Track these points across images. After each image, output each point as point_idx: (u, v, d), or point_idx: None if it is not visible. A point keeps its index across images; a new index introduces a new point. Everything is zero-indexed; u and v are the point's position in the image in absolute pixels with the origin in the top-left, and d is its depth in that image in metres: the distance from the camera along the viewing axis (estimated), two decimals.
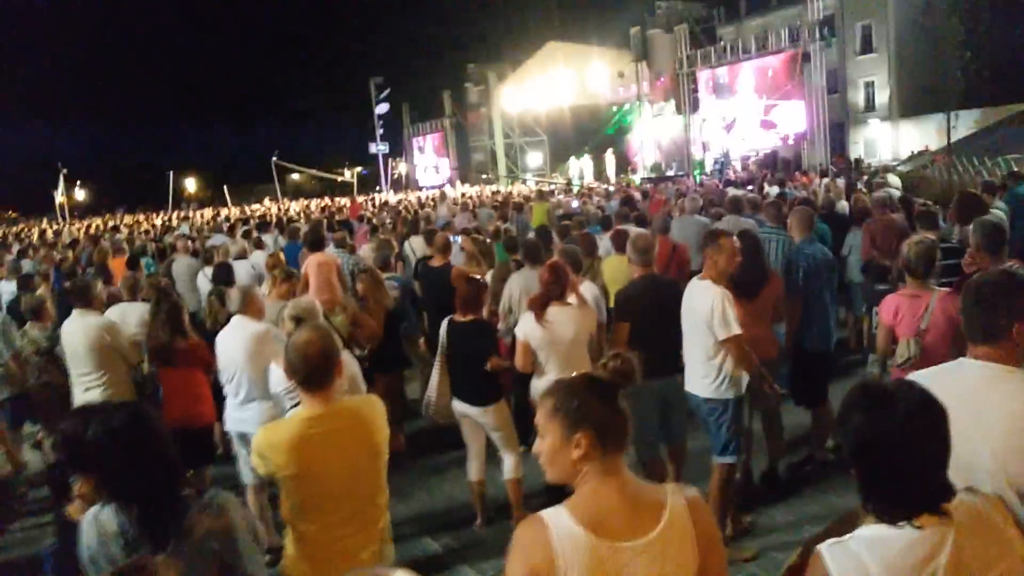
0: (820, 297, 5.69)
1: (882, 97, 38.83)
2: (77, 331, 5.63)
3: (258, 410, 4.99)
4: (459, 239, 8.93)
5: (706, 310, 4.47)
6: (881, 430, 1.69)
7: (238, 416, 5.13)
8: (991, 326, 2.30)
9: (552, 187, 26.22)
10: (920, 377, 2.20)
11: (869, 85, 39.63)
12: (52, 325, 6.38)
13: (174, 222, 25.44)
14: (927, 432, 1.70)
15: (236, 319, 5.21)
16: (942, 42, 23.09)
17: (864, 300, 8.11)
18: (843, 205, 10.53)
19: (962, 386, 2.27)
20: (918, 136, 35.34)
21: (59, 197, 39.56)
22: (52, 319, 6.48)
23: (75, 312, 5.77)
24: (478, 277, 5.54)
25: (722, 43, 34.08)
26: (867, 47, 39.34)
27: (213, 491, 2.38)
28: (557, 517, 1.86)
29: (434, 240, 8.15)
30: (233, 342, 5.08)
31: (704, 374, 4.63)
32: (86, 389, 5.59)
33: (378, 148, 48.38)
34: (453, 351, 5.19)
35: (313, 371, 2.85)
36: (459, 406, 5.20)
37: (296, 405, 3.28)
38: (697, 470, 4.95)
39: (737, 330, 4.43)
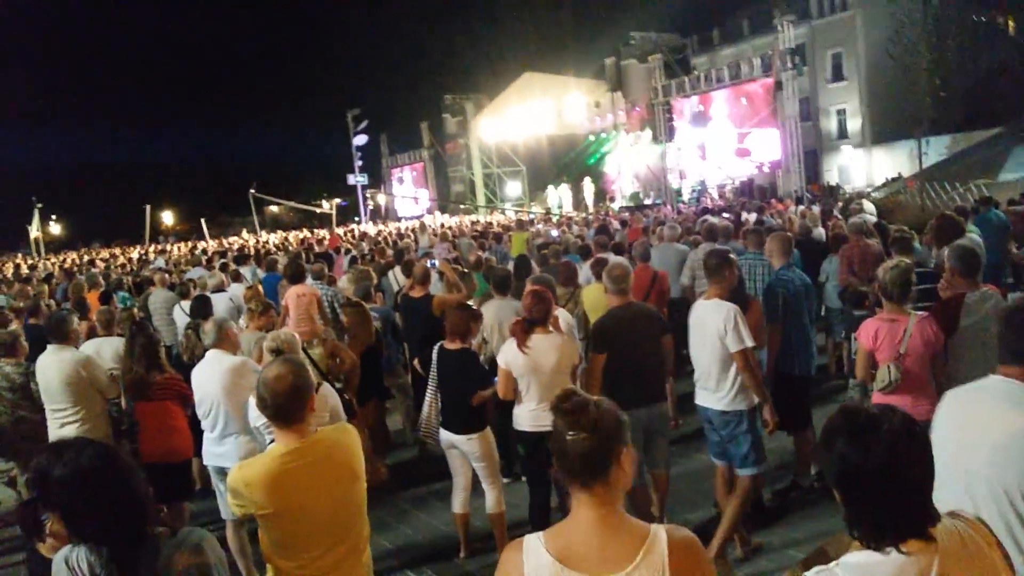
0: (800, 322, 5.73)
1: (854, 124, 39.54)
2: (52, 366, 5.55)
3: (236, 444, 4.93)
4: (436, 263, 8.92)
5: (719, 324, 4.63)
6: (866, 455, 1.69)
7: (216, 451, 5.06)
8: (1016, 346, 2.48)
9: (531, 216, 26.34)
10: (954, 395, 2.49)
11: (841, 113, 40.36)
12: (26, 360, 6.28)
13: (151, 256, 25.23)
14: (912, 457, 1.70)
15: (211, 353, 5.15)
16: (911, 69, 23.61)
17: (842, 326, 8.18)
18: (819, 232, 10.64)
19: (991, 402, 2.43)
20: (890, 162, 35.94)
21: (34, 232, 39.17)
22: (25, 353, 6.37)
23: (50, 347, 5.69)
24: (471, 305, 5.52)
25: (696, 72, 34.55)
26: (838, 75, 40.14)
27: (187, 529, 2.33)
28: (534, 543, 1.94)
29: (414, 274, 8.13)
30: (209, 376, 5.03)
31: (717, 387, 4.76)
32: (62, 425, 5.49)
33: (356, 179, 48.36)
34: (442, 378, 5.19)
35: (283, 406, 2.80)
36: (446, 435, 5.16)
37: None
38: (686, 498, 4.94)
39: (750, 343, 4.61)
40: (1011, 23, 47.16)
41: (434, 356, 5.25)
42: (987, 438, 2.34)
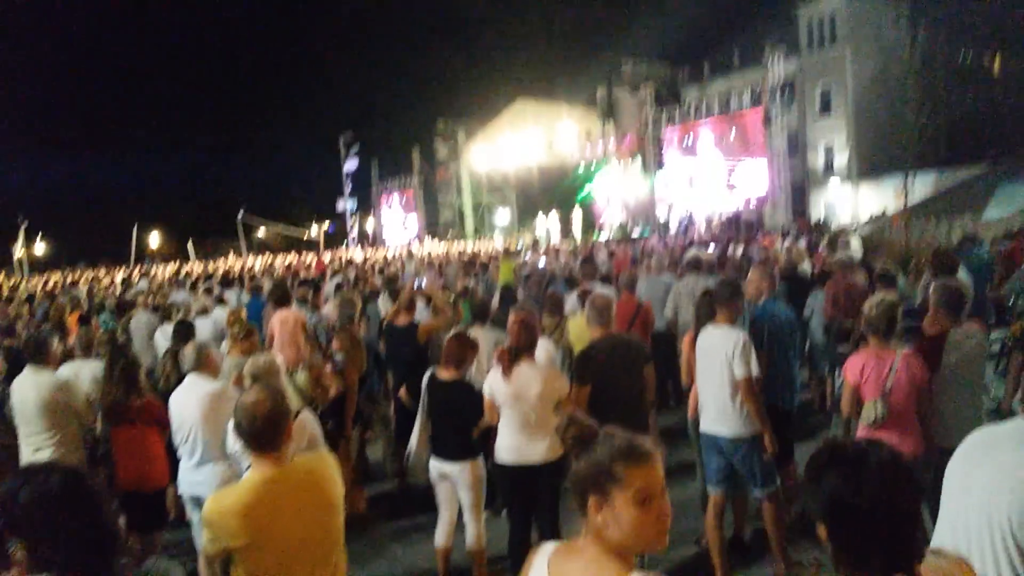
0: (784, 355, 5.70)
1: (841, 159, 39.92)
2: (29, 388, 5.42)
3: (213, 472, 4.83)
4: (422, 283, 8.87)
5: (728, 350, 4.70)
6: (856, 489, 1.67)
7: (192, 479, 4.96)
8: None
9: (519, 245, 26.37)
10: (976, 438, 2.33)
11: (829, 148, 40.78)
12: (2, 382, 6.17)
13: (135, 277, 25.05)
14: (900, 491, 1.68)
15: (191, 377, 5.07)
16: (898, 105, 23.88)
17: (827, 361, 8.17)
18: (805, 267, 10.67)
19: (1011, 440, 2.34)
20: (877, 198, 36.26)
21: (18, 251, 38.89)
22: (2, 374, 6.26)
23: (27, 368, 5.56)
24: (467, 335, 5.42)
25: (686, 103, 34.89)
26: (826, 109, 40.60)
27: (152, 560, 2.26)
28: (542, 557, 2.05)
29: (400, 299, 8.06)
30: (188, 401, 4.94)
31: (727, 413, 4.80)
32: (36, 450, 5.36)
33: (346, 204, 48.42)
34: (434, 408, 5.05)
35: (260, 432, 2.76)
36: (437, 464, 5.01)
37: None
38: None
39: (756, 372, 4.73)
40: (997, 62, 48.02)
41: (424, 385, 5.14)
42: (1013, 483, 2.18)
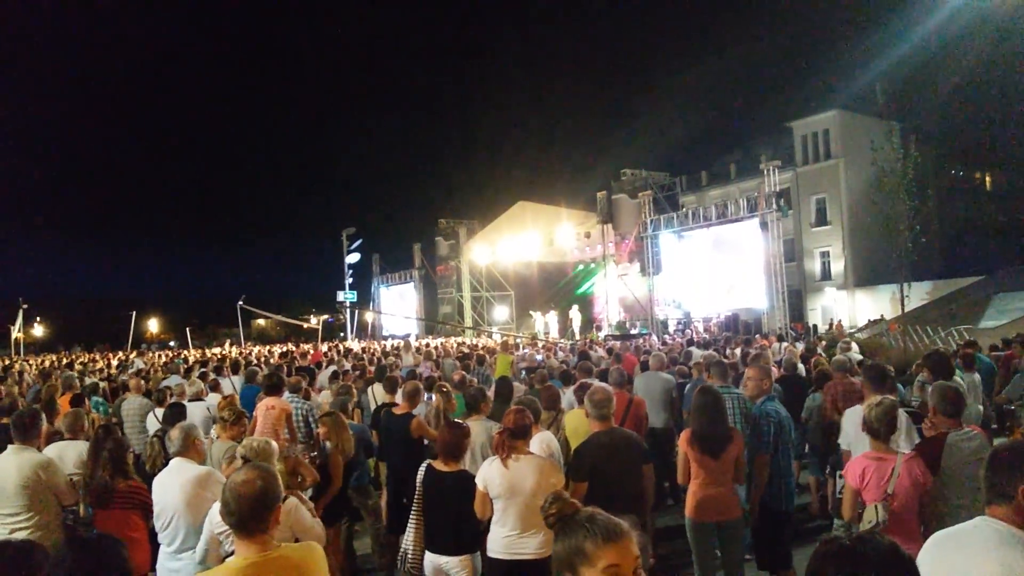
0: (784, 455, 5.62)
1: (837, 267, 40.41)
2: (10, 467, 5.30)
3: (192, 560, 4.66)
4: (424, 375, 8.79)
5: None
6: None
7: (171, 566, 4.79)
8: (1000, 487, 2.55)
9: (517, 340, 26.36)
10: (942, 536, 2.55)
11: (824, 255, 41.33)
12: None
13: (131, 361, 24.88)
14: None
15: (175, 461, 4.96)
16: (892, 217, 24.39)
17: (826, 464, 8.03)
18: (801, 368, 10.64)
19: (980, 545, 2.46)
20: (873, 305, 36.53)
21: (16, 332, 38.80)
22: None
23: (11, 447, 5.46)
24: (461, 423, 5.33)
25: (684, 210, 35.52)
26: (821, 219, 41.36)
27: None
28: None
29: (402, 387, 7.96)
30: (171, 485, 4.81)
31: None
32: (12, 531, 5.19)
33: (346, 296, 48.65)
34: (430, 500, 4.89)
35: (248, 513, 2.67)
36: (434, 559, 4.83)
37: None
38: None
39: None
40: (988, 179, 49.26)
41: (420, 477, 4.99)
42: None
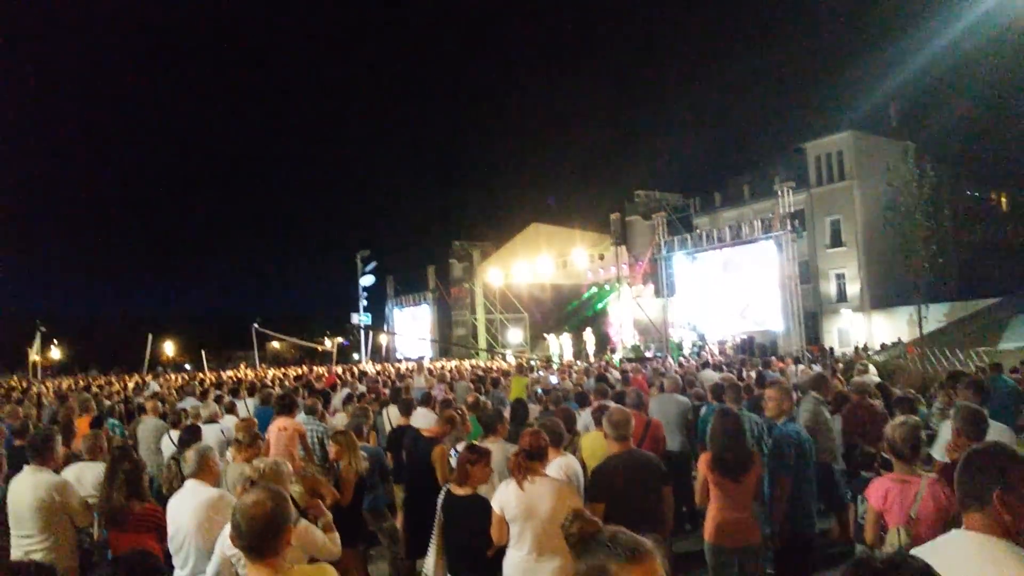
0: (805, 477, 5.55)
1: (853, 289, 40.17)
2: (25, 489, 5.29)
3: None
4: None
5: None
6: None
7: None
8: (975, 493, 2.41)
9: (532, 362, 26.29)
10: (919, 552, 2.28)
11: (840, 277, 41.11)
12: (4, 482, 6.03)
13: (147, 382, 24.98)
14: None
15: (190, 483, 4.93)
16: (908, 238, 24.20)
17: (847, 488, 7.93)
18: None
19: (953, 559, 2.30)
20: (890, 327, 36.23)
21: (33, 355, 39.04)
22: (4, 474, 6.13)
23: (27, 468, 5.46)
24: (481, 446, 5.28)
25: (698, 231, 35.47)
26: (836, 241, 41.19)
27: None
28: None
29: (439, 412, 7.77)
30: (184, 508, 4.78)
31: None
32: (26, 553, 5.17)
33: (360, 319, 48.75)
34: (450, 525, 4.84)
35: (258, 535, 2.63)
36: None
37: None
38: None
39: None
40: (1004, 199, 48.97)
41: (440, 503, 4.95)
42: None
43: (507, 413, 8.00)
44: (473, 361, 32.19)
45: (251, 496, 2.73)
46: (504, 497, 4.61)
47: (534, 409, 8.90)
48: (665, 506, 4.96)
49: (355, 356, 48.35)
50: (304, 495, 5.63)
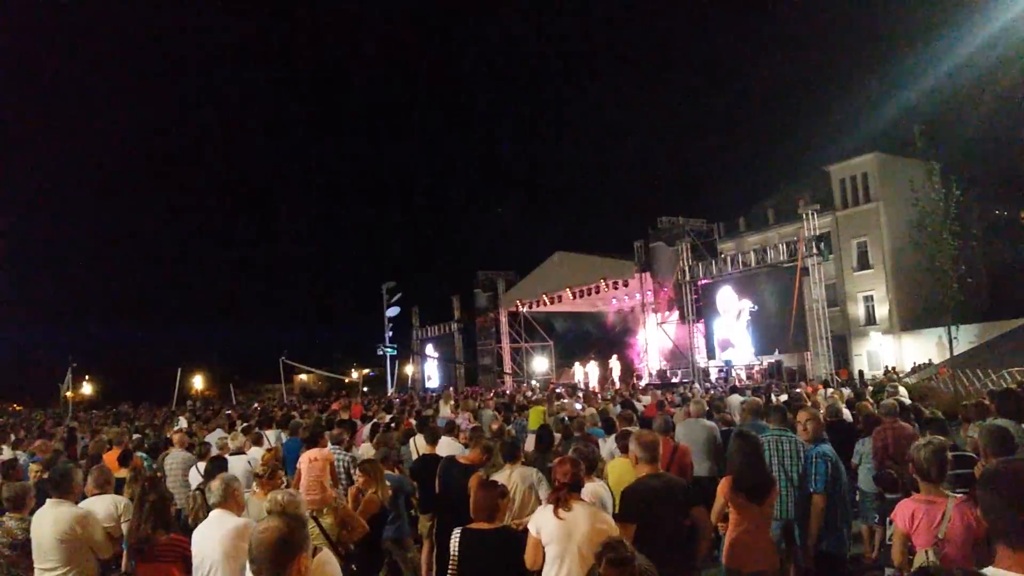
0: (838, 498, 5.51)
1: (882, 311, 39.67)
2: (47, 522, 5.36)
3: None
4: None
5: None
6: None
7: None
8: (1002, 528, 2.15)
9: (558, 390, 26.22)
10: None
11: (868, 299, 40.63)
12: (31, 515, 6.10)
13: (177, 417, 25.19)
14: None
15: (215, 513, 4.96)
16: (937, 258, 23.89)
17: (876, 510, 7.83)
18: (847, 414, 10.43)
19: None
20: (919, 349, 35.68)
21: (65, 391, 39.62)
22: (32, 508, 6.21)
23: (49, 501, 5.53)
24: (496, 481, 5.18)
25: (723, 256, 35.28)
26: (864, 263, 40.79)
27: None
28: None
29: (473, 442, 7.69)
30: (209, 537, 4.81)
31: None
32: None
33: (386, 350, 48.89)
34: (469, 563, 4.55)
35: (270, 561, 2.61)
36: None
37: None
38: None
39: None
40: None
41: (456, 541, 4.60)
42: None
43: (528, 440, 7.99)
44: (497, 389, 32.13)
45: (266, 522, 2.75)
46: (541, 521, 4.55)
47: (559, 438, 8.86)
48: (700, 524, 4.90)
49: (384, 388, 48.48)
50: (334, 526, 5.65)
